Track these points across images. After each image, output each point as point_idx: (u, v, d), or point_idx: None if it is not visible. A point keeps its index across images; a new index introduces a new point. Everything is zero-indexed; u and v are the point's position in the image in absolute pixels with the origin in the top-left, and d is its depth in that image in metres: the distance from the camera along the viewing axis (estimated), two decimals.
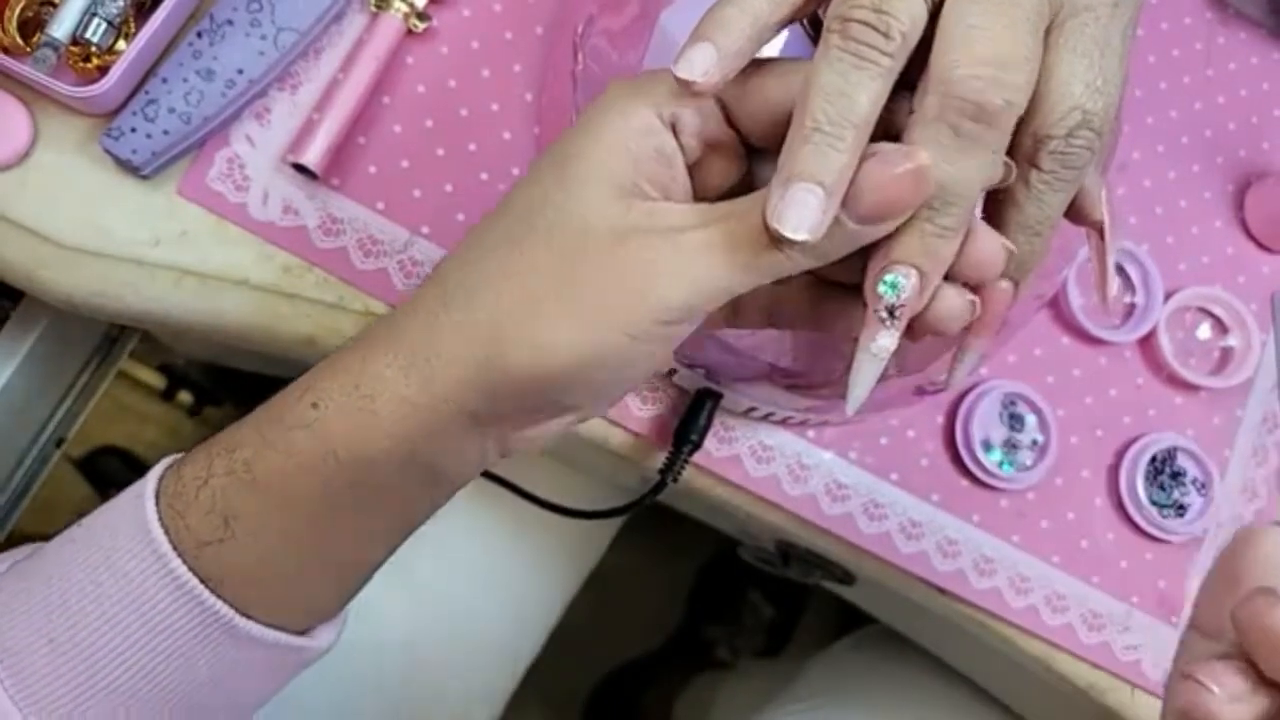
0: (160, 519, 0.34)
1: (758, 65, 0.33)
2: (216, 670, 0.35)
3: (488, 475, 0.56)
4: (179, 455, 0.37)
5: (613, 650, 1.23)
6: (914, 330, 0.32)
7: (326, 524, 0.34)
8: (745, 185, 0.35)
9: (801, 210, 0.29)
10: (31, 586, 0.36)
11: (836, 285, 0.35)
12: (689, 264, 0.30)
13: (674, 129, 0.33)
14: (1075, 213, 0.34)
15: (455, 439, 0.33)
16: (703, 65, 0.31)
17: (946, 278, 0.31)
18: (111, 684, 0.34)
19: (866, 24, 0.29)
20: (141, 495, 0.35)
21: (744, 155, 0.34)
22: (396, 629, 0.66)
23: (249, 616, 0.35)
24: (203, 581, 0.34)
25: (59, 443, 0.67)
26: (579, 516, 0.56)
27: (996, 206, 0.33)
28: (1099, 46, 0.31)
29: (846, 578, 0.64)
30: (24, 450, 0.65)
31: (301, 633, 0.38)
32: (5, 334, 0.58)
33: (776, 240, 0.30)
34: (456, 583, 0.68)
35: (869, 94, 0.29)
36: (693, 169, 0.34)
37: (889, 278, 0.30)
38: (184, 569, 0.34)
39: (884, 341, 0.31)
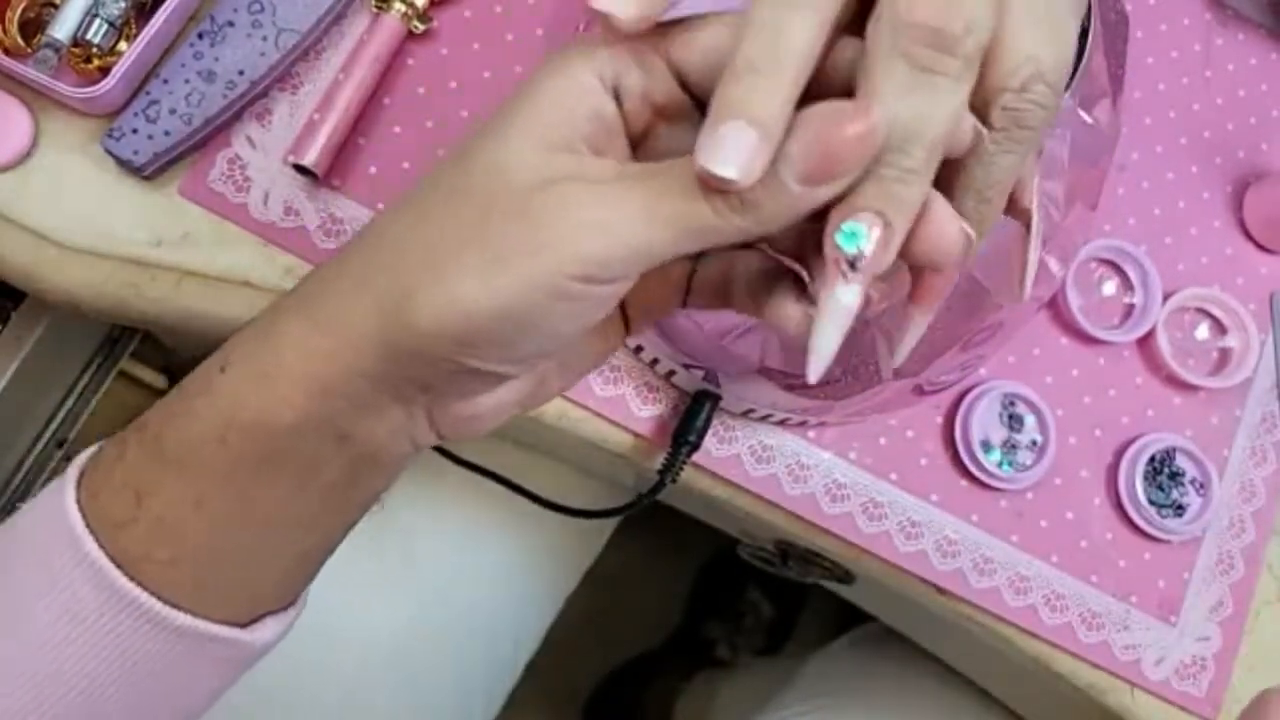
0: (79, 502, 0.33)
1: (707, 19, 0.30)
2: (145, 664, 0.33)
3: (486, 474, 0.56)
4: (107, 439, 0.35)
5: (613, 649, 1.23)
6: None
7: (241, 498, 0.32)
8: None
9: (732, 148, 0.27)
10: None
11: (790, 274, 0.33)
12: (608, 214, 0.28)
13: (617, 95, 0.31)
14: (1009, 200, 0.32)
15: (367, 407, 0.31)
16: None
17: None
18: (53, 679, 0.33)
19: None
20: (64, 480, 0.34)
21: (698, 122, 0.30)
22: (395, 627, 0.66)
23: (176, 606, 0.33)
24: (118, 565, 0.32)
25: (60, 444, 0.67)
26: (579, 516, 0.56)
27: (943, 169, 0.30)
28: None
29: (846, 577, 0.64)
30: (25, 452, 0.65)
31: (243, 625, 0.35)
32: (6, 334, 0.58)
33: (706, 186, 0.27)
34: (455, 580, 0.68)
35: (805, 27, 0.27)
36: (643, 138, 0.32)
37: (847, 226, 0.28)
38: (97, 550, 0.32)
39: (846, 299, 0.28)
